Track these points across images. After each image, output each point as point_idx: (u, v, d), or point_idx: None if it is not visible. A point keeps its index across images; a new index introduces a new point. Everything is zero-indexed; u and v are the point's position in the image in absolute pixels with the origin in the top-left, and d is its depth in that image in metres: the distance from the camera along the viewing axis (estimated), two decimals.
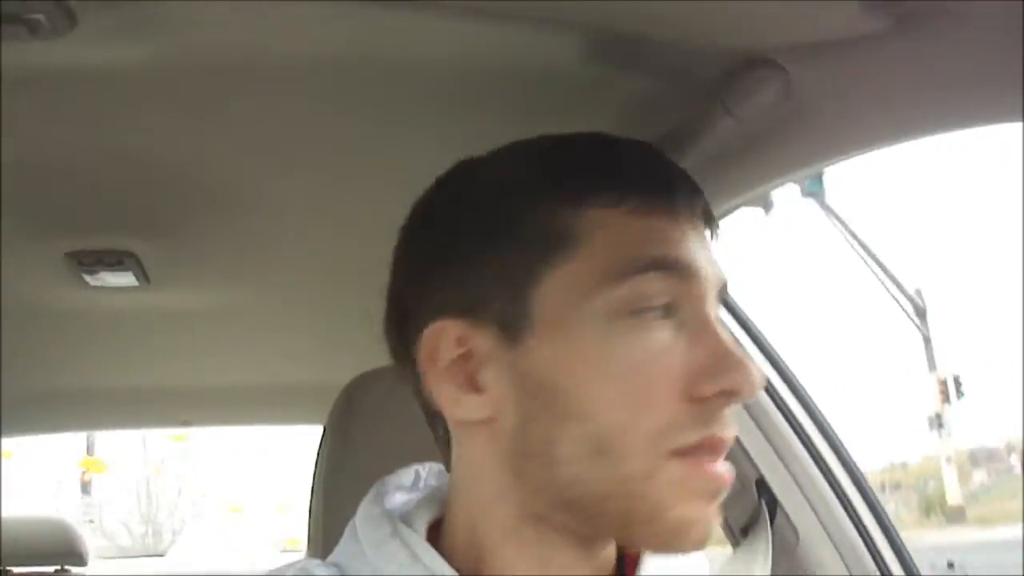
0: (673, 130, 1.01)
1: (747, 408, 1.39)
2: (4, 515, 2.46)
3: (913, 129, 0.86)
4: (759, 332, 1.46)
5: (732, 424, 0.68)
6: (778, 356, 1.46)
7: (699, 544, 0.68)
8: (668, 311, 0.68)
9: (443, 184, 0.77)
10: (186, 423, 2.68)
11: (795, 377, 1.46)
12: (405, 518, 0.76)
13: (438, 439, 0.77)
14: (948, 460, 17.66)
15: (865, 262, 17.60)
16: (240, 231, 1.45)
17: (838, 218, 17.06)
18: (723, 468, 0.68)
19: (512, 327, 0.69)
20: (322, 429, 1.22)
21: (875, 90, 0.86)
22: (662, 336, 0.67)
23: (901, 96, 0.85)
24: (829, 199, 16.68)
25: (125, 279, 1.56)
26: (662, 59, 0.94)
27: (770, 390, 1.41)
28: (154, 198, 1.32)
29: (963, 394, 17.47)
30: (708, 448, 0.67)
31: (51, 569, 2.44)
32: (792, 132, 0.95)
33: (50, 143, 1.10)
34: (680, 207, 0.70)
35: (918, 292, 18.11)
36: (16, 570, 2.38)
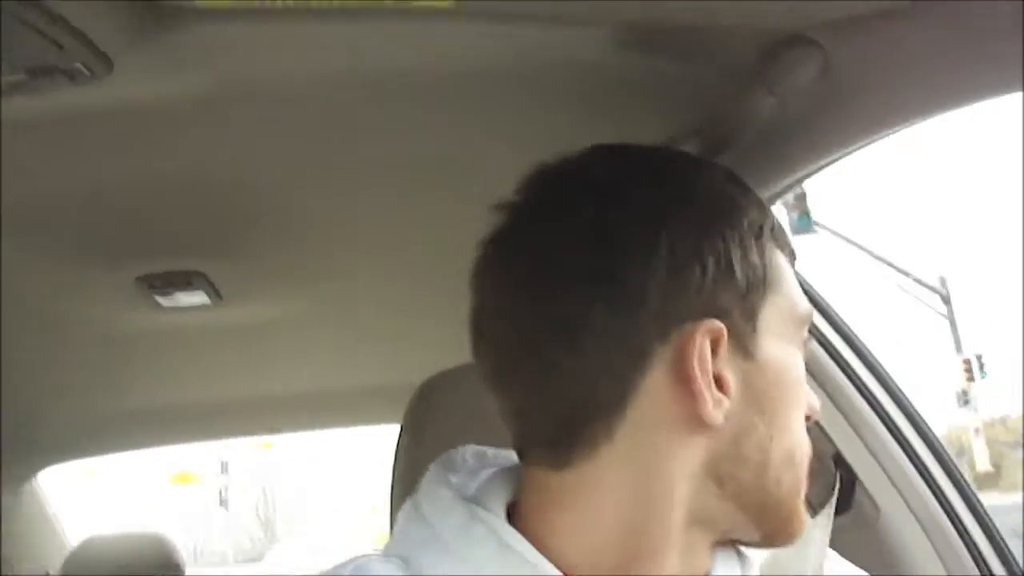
0: (716, 115, 1.00)
1: (823, 385, 1.38)
2: (102, 532, 2.53)
3: (953, 98, 0.85)
4: (829, 307, 1.45)
5: None
6: (852, 332, 1.44)
7: None
8: None
9: (648, 182, 0.76)
10: (273, 430, 2.72)
11: (868, 350, 1.43)
12: (476, 500, 0.75)
13: (578, 432, 0.71)
14: (976, 432, 19.04)
15: (881, 269, 18.10)
16: (304, 243, 1.48)
17: (843, 237, 17.38)
18: None
19: (742, 340, 0.73)
20: (399, 428, 1.22)
21: (912, 61, 0.84)
22: None
23: (938, 66, 0.83)
24: (828, 223, 17.19)
25: (197, 298, 1.60)
26: (699, 45, 0.93)
27: (844, 366, 1.40)
28: (216, 218, 1.35)
29: (986, 373, 18.71)
30: None
31: None
32: (833, 110, 0.94)
33: (109, 176, 1.14)
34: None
35: (941, 280, 19.11)
36: None
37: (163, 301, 1.59)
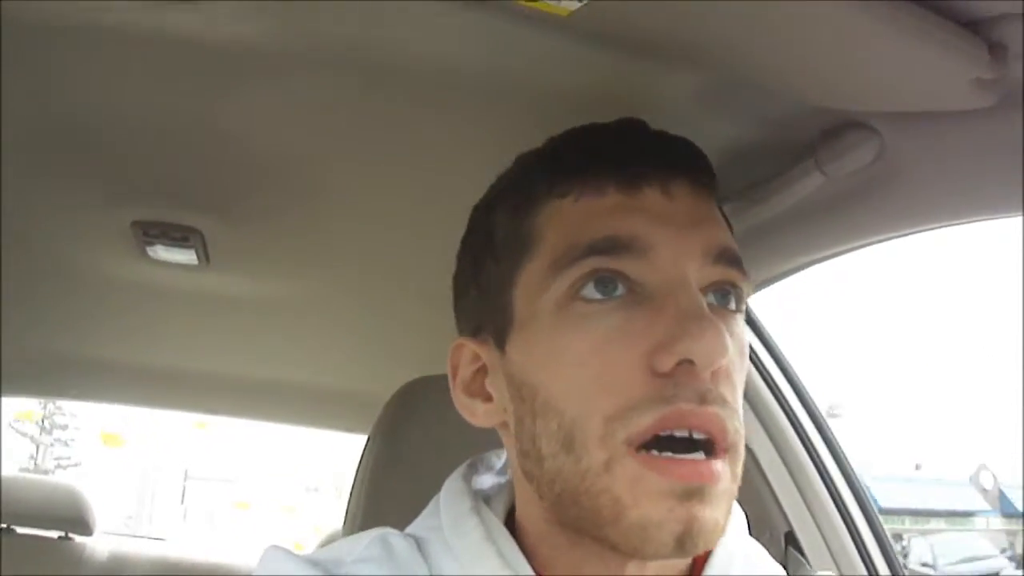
0: (763, 180, 1.03)
1: (785, 462, 1.40)
2: (9, 475, 2.46)
3: (1006, 206, 0.87)
4: (803, 387, 1.46)
5: (710, 403, 0.63)
6: (820, 414, 1.46)
7: (669, 549, 0.62)
8: (630, 290, 0.66)
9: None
10: (213, 411, 2.64)
11: (832, 434, 1.45)
12: (488, 499, 0.77)
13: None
14: None
15: None
16: (309, 224, 1.46)
17: None
18: (697, 464, 0.62)
19: (502, 334, 0.71)
20: (367, 437, 1.21)
21: (969, 163, 0.87)
22: (616, 318, 0.65)
23: (996, 172, 0.85)
24: None
25: (186, 256, 1.57)
26: (762, 110, 0.95)
27: (808, 445, 1.42)
28: (231, 178, 1.32)
29: None
30: (672, 428, 0.62)
31: (55, 535, 2.42)
32: (879, 195, 0.96)
33: (146, 106, 1.11)
34: (639, 181, 0.69)
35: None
36: (20, 531, 2.38)
37: (152, 252, 1.56)
